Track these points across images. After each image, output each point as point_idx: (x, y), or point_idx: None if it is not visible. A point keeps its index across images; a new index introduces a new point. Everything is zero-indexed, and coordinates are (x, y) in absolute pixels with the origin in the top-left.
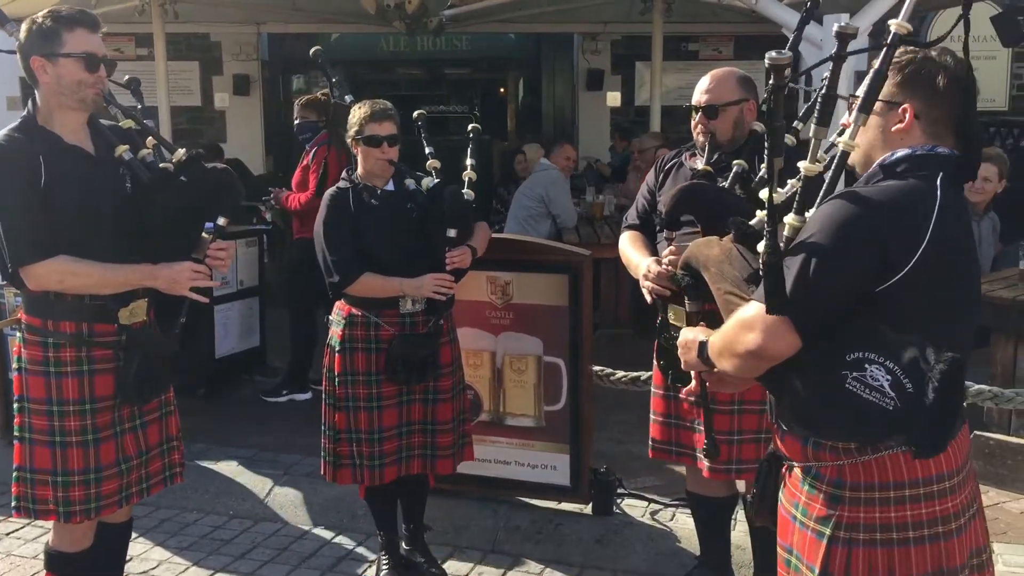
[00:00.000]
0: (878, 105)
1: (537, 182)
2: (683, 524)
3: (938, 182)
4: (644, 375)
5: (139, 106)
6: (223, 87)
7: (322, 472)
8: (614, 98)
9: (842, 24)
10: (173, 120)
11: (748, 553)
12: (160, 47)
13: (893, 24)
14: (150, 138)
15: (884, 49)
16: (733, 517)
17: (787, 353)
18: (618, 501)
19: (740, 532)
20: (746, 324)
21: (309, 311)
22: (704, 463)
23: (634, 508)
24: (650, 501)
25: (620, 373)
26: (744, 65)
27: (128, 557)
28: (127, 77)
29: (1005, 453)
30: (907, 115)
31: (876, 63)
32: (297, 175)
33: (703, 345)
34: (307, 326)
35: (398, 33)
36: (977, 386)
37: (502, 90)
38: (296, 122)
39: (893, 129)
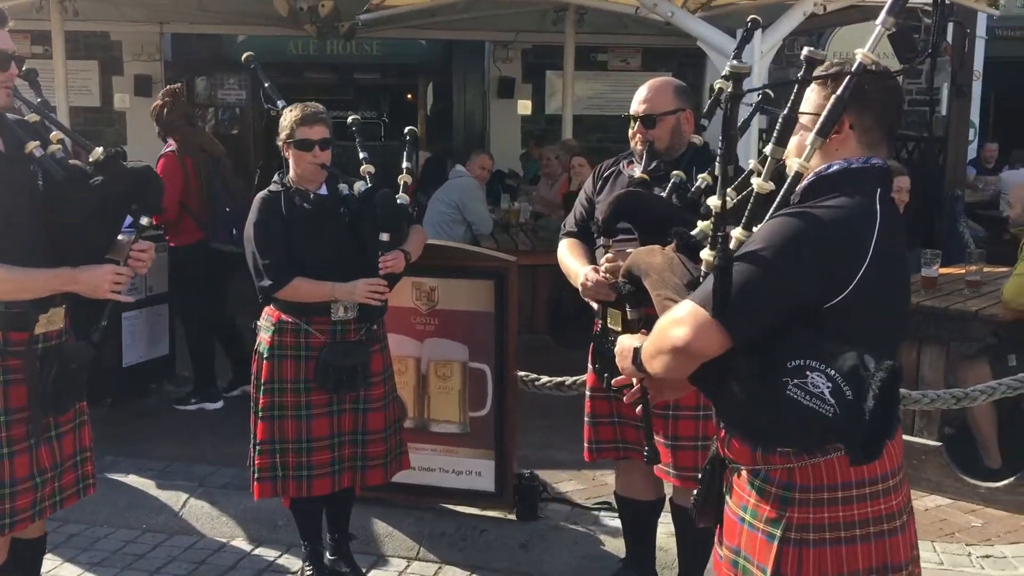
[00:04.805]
0: (810, 119)
1: (451, 189)
2: (606, 527)
3: (877, 199)
4: (569, 380)
5: (39, 99)
6: (123, 87)
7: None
8: (525, 106)
9: (811, 49)
10: (72, 121)
11: (671, 554)
12: (59, 45)
13: (859, 54)
14: (55, 133)
15: (847, 77)
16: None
17: (714, 352)
18: (542, 506)
19: (664, 534)
20: (676, 321)
21: (201, 318)
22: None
23: (558, 513)
24: (574, 505)
25: (545, 378)
26: (652, 76)
27: None
28: (24, 68)
29: (910, 453)
30: (844, 126)
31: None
32: None
33: (637, 351)
34: (202, 332)
35: (308, 37)
36: None
37: (409, 96)
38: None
39: (829, 139)
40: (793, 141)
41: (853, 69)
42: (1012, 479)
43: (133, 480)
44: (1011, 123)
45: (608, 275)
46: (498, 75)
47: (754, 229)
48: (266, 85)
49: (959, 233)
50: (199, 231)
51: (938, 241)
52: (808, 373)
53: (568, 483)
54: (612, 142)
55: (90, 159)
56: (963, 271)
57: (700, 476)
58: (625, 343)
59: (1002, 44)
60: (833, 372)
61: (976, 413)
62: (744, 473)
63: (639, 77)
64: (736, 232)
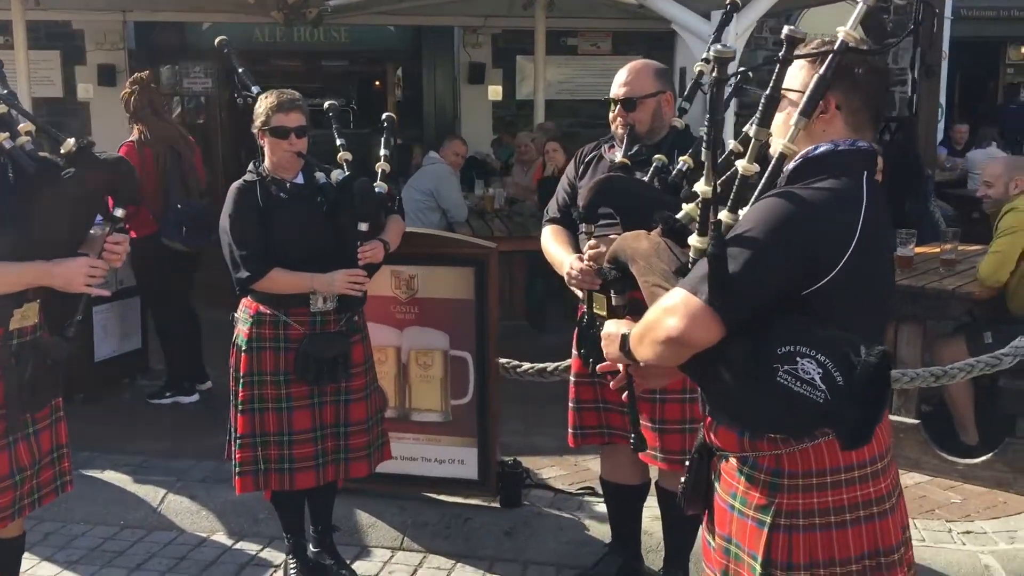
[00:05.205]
0: (797, 96)
1: (426, 176)
2: (590, 512)
3: (864, 182)
4: (551, 366)
5: (5, 90)
6: (87, 77)
7: None
8: (495, 91)
9: (791, 28)
10: (35, 112)
11: (656, 538)
12: (20, 35)
13: (841, 31)
14: (23, 124)
15: (830, 55)
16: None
17: (708, 342)
18: (525, 492)
19: (649, 518)
20: (668, 310)
21: (170, 311)
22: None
23: (541, 499)
24: (557, 491)
25: (526, 365)
26: (622, 60)
27: None
28: None
29: None
30: (830, 106)
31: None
32: None
33: (625, 338)
34: (169, 324)
35: (274, 23)
36: None
37: (378, 83)
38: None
39: (816, 120)
40: (778, 119)
41: (835, 47)
42: (989, 455)
43: (109, 476)
44: (976, 102)
45: (593, 263)
46: (468, 61)
47: (740, 212)
48: (240, 71)
49: (930, 213)
50: (155, 224)
51: (909, 221)
52: (799, 359)
53: (551, 469)
54: (583, 127)
55: (62, 151)
56: (938, 250)
57: (687, 464)
58: (611, 329)
59: (967, 24)
60: (824, 358)
61: (953, 390)
62: (732, 460)
63: (610, 61)
64: (723, 215)
